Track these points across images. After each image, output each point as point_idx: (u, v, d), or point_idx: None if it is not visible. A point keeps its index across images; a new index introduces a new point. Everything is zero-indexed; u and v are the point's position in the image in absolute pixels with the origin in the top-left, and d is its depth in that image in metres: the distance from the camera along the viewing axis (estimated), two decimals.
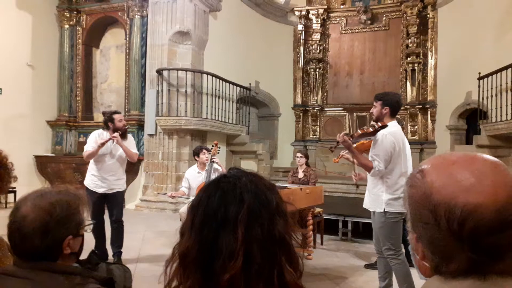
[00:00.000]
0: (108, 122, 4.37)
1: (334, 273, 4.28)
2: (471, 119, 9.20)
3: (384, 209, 3.14)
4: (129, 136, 4.54)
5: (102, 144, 4.14)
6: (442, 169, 0.69)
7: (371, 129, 3.19)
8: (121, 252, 4.39)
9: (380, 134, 3.14)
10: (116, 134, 4.23)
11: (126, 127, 4.45)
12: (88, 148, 4.25)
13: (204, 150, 5.23)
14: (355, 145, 3.31)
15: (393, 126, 3.19)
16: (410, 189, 0.72)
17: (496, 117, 7.08)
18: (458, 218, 0.64)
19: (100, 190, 4.26)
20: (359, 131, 3.24)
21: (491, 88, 7.15)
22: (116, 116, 4.37)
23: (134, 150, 4.46)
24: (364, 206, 3.39)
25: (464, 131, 9.71)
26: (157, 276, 0.85)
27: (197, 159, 5.28)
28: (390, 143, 3.10)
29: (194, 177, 5.14)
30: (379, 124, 3.19)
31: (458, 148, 8.32)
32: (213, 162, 4.95)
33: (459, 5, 9.35)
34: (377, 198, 3.20)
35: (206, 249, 0.80)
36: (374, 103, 3.28)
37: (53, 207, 1.16)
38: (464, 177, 0.66)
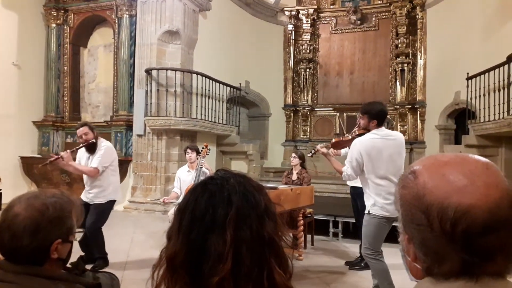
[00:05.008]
0: None
1: (325, 274, 4.28)
2: (460, 119, 9.30)
3: (369, 211, 3.31)
4: (101, 147, 4.26)
5: (53, 160, 4.11)
6: (434, 170, 0.69)
7: (349, 137, 3.50)
8: (100, 258, 4.26)
9: (355, 141, 3.36)
10: (63, 153, 4.14)
11: (90, 141, 4.20)
12: None
13: (188, 150, 5.16)
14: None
15: (371, 134, 3.34)
16: (402, 190, 0.72)
17: (484, 117, 7.16)
18: (451, 219, 0.63)
19: (84, 199, 4.26)
20: (335, 139, 3.68)
21: (479, 88, 7.22)
22: (77, 131, 4.26)
23: (94, 164, 4.19)
24: None
25: (453, 131, 9.82)
26: (146, 279, 0.83)
27: None
28: (356, 152, 3.29)
29: (185, 176, 5.16)
30: (356, 133, 3.48)
31: (447, 147, 8.40)
32: (201, 167, 4.91)
33: (448, 5, 9.45)
34: (366, 201, 3.39)
35: (194, 252, 0.79)
36: (361, 115, 3.44)
37: (46, 207, 1.15)
38: (456, 178, 0.66)
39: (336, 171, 3.59)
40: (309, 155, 4.04)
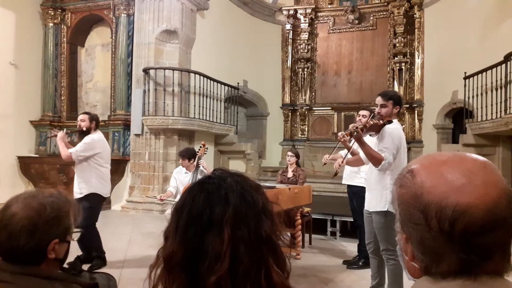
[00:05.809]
0: None
1: (323, 273, 4.28)
2: (458, 118, 9.31)
3: (388, 209, 3.05)
4: (88, 137, 4.23)
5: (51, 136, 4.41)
6: (432, 169, 0.69)
7: (381, 122, 3.16)
8: (98, 257, 4.21)
9: (388, 128, 3.14)
10: (60, 131, 4.29)
11: (83, 128, 4.26)
12: None
13: (184, 157, 5.09)
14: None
15: (397, 123, 3.27)
16: (399, 189, 0.72)
17: (481, 116, 7.17)
18: (449, 218, 0.63)
19: (74, 195, 4.15)
20: (371, 122, 3.17)
21: (477, 88, 7.24)
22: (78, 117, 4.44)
23: (72, 149, 4.13)
24: (365, 208, 3.31)
25: (451, 130, 9.83)
26: (143, 278, 0.83)
27: None
28: (398, 137, 3.14)
29: (182, 177, 5.14)
30: (386, 119, 3.20)
31: (444, 147, 8.42)
32: (199, 166, 4.89)
33: (445, 5, 9.46)
34: (380, 197, 3.12)
35: (192, 252, 0.79)
36: (384, 102, 3.20)
37: (43, 207, 1.15)
38: (454, 177, 0.66)
39: (370, 158, 3.11)
40: (347, 134, 3.16)
